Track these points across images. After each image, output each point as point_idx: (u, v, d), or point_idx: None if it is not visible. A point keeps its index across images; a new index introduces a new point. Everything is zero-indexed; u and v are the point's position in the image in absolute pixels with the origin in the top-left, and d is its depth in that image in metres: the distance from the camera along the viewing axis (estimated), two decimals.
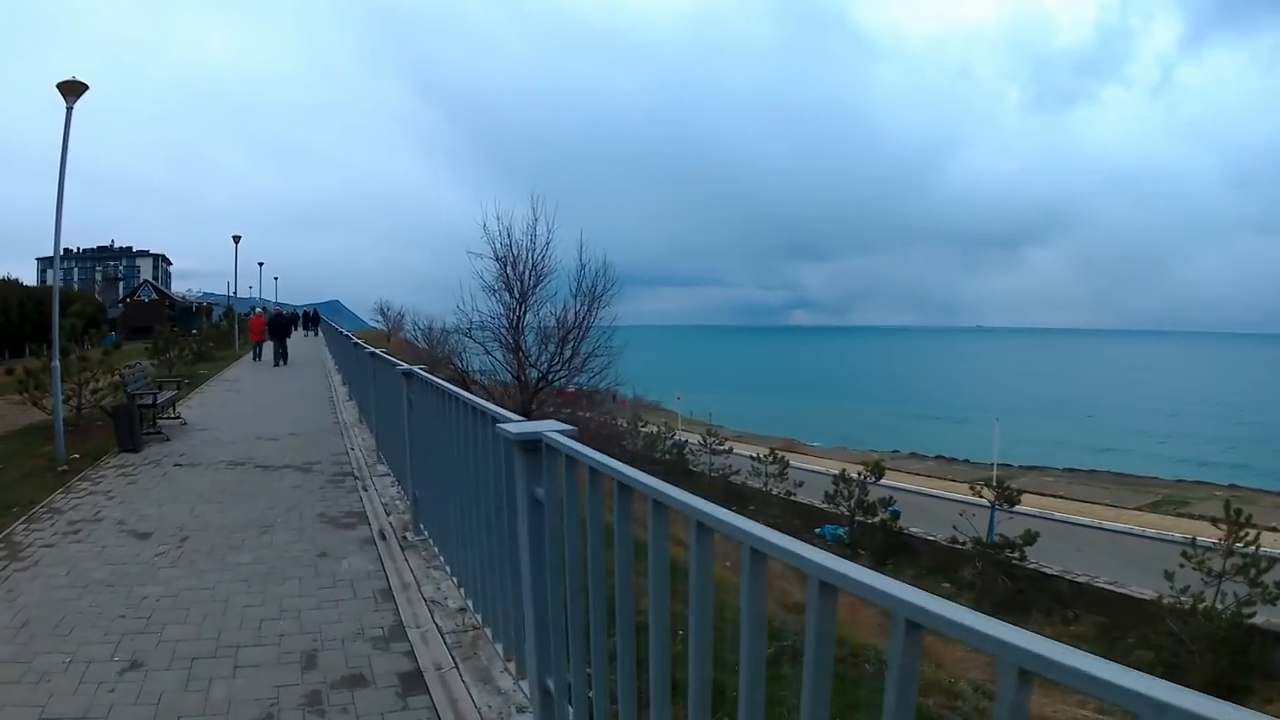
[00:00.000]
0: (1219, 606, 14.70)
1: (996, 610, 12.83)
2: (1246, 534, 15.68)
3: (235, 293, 40.54)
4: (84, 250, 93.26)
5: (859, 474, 23.18)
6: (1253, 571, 15.06)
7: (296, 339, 32.64)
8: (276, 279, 59.76)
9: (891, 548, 21.63)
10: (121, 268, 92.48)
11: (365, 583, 4.75)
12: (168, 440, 10.36)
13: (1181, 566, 15.48)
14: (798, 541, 1.33)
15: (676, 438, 32.01)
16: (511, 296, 17.28)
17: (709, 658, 1.61)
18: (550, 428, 2.44)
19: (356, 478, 7.88)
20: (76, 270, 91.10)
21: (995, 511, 21.17)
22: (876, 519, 22.16)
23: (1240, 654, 14.39)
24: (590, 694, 2.32)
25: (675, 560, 1.80)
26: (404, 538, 5.54)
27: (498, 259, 17.29)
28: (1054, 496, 29.94)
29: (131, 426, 9.73)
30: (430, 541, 5.17)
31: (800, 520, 23.13)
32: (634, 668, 1.99)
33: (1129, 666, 0.94)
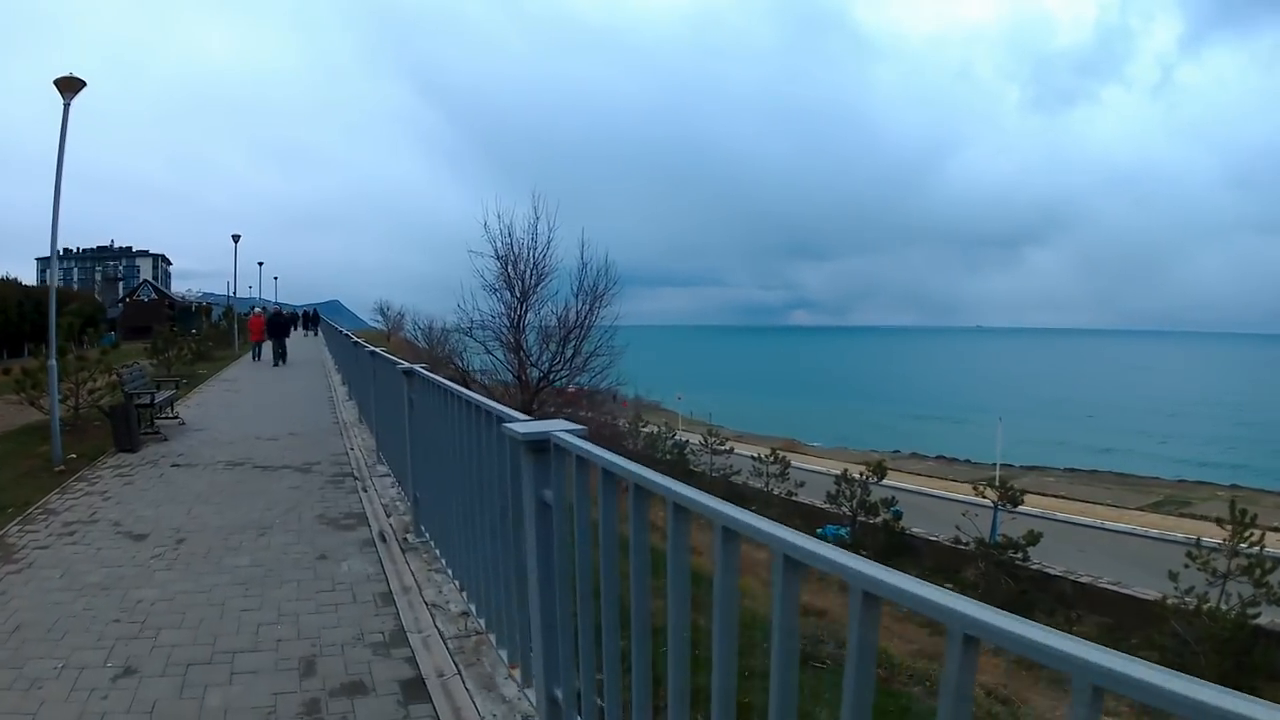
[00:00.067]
0: (1223, 607, 14.62)
1: None
2: (1251, 534, 15.59)
3: (235, 293, 40.51)
4: (84, 250, 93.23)
5: (861, 474, 23.08)
6: (1257, 572, 14.97)
7: (296, 339, 32.54)
8: (276, 279, 59.80)
9: (893, 548, 21.50)
10: (121, 268, 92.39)
11: (365, 586, 4.64)
12: (165, 440, 10.26)
13: (1186, 567, 15.38)
14: (837, 549, 1.24)
15: (677, 438, 31.92)
16: (512, 295, 17.19)
17: (734, 669, 1.51)
18: (559, 427, 2.34)
19: (356, 478, 7.78)
20: (76, 270, 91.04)
21: (998, 512, 21.08)
22: (878, 519, 22.06)
23: (1245, 655, 14.32)
24: (601, 703, 2.22)
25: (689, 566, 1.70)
26: (405, 540, 5.44)
27: (499, 258, 17.21)
28: (1055, 497, 29.83)
29: (129, 426, 9.63)
30: (431, 544, 5.07)
31: (801, 520, 23.00)
32: (650, 677, 1.89)
33: None
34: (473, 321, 18.00)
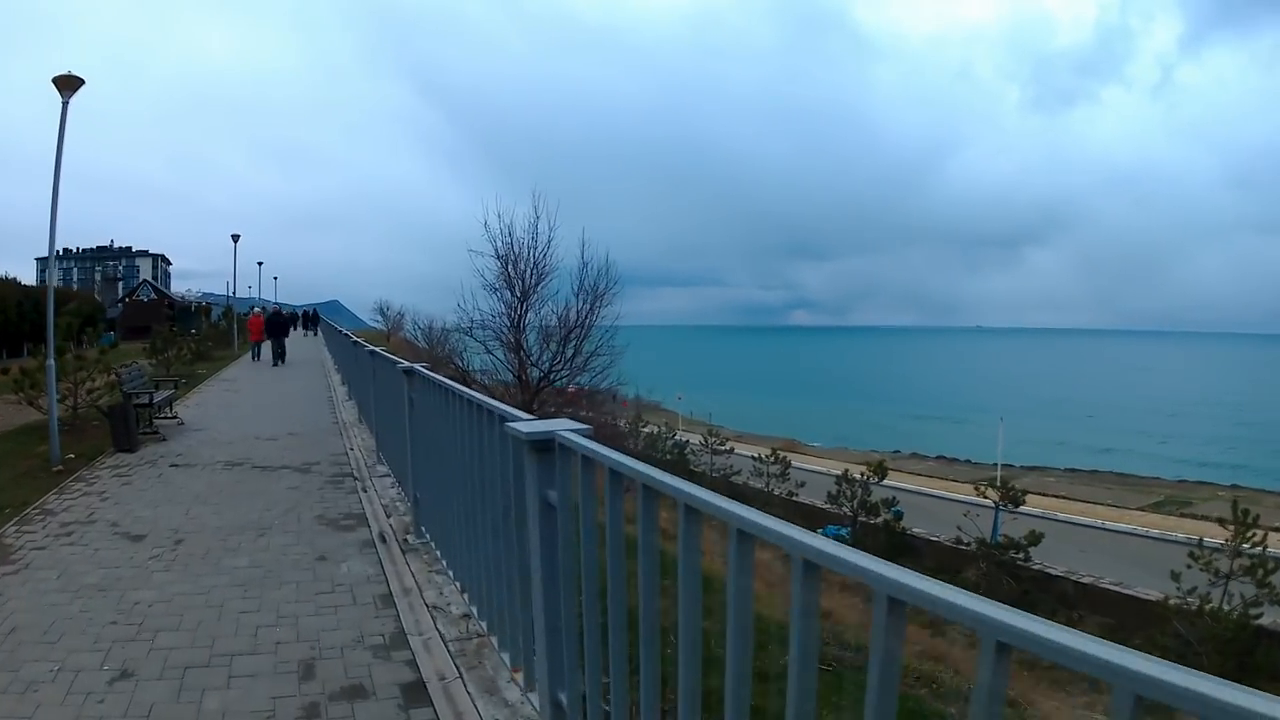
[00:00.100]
0: (1226, 608, 14.57)
1: None
2: (1253, 534, 15.55)
3: (234, 292, 40.43)
4: (83, 250, 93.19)
5: (862, 474, 23.03)
6: (1260, 572, 14.93)
7: (295, 339, 32.46)
8: (276, 279, 59.86)
9: (894, 548, 21.45)
10: (121, 268, 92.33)
11: (365, 587, 4.59)
12: (164, 440, 10.21)
13: (1189, 567, 15.34)
14: (859, 552, 1.18)
15: (677, 438, 31.89)
16: (513, 295, 17.12)
17: (748, 673, 1.46)
18: (564, 426, 2.28)
19: (356, 478, 7.73)
20: (76, 270, 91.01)
21: (999, 512, 21.03)
22: (879, 519, 22.01)
23: (1248, 655, 14.26)
24: (607, 708, 2.17)
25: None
26: (405, 540, 5.39)
27: (499, 257, 17.14)
28: (1056, 497, 29.79)
29: (127, 426, 9.57)
30: (432, 544, 5.01)
31: (802, 520, 22.92)
32: (658, 680, 1.84)
33: None
34: (473, 321, 17.95)
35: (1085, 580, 18.61)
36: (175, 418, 11.76)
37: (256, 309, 29.80)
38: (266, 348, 24.07)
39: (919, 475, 33.64)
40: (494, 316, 17.56)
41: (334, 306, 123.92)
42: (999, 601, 1.05)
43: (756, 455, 28.20)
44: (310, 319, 45.97)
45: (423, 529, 5.29)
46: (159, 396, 11.35)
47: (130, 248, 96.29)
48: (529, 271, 17.08)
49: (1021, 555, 18.72)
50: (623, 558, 1.93)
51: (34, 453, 9.42)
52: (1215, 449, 49.86)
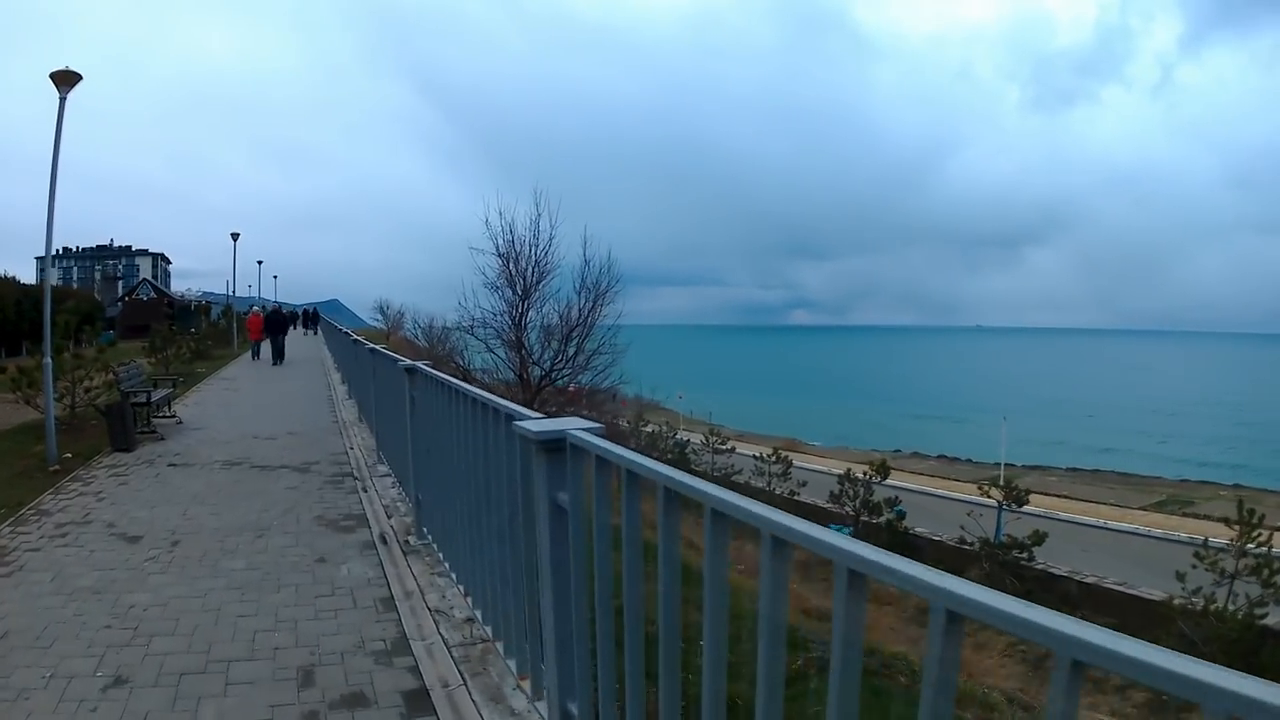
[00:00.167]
0: (1230, 608, 14.49)
1: None
2: (1259, 534, 15.46)
3: (234, 291, 40.29)
4: (83, 249, 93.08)
5: (865, 473, 22.94)
6: (1266, 572, 14.84)
7: (295, 337, 32.32)
8: (276, 278, 59.82)
9: (896, 548, 21.28)
10: (120, 267, 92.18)
11: (365, 590, 4.48)
12: (162, 439, 10.10)
13: (1194, 567, 15.25)
14: (907, 560, 1.08)
15: (678, 437, 31.79)
16: (514, 292, 17.01)
17: (780, 686, 1.36)
18: (575, 425, 2.18)
19: (356, 478, 7.62)
20: (76, 269, 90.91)
21: (1002, 512, 20.95)
22: (882, 519, 21.92)
23: (1253, 655, 14.17)
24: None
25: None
26: (406, 542, 5.29)
27: (500, 254, 17.02)
28: (1058, 496, 29.70)
29: (125, 425, 9.46)
30: (434, 546, 4.91)
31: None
32: (679, 691, 1.74)
33: None
34: (474, 319, 17.82)
35: (1089, 580, 18.51)
36: (174, 417, 11.66)
37: (255, 308, 29.66)
38: (266, 346, 23.93)
39: (920, 475, 33.56)
40: (495, 315, 17.46)
41: (334, 305, 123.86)
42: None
43: (758, 455, 28.11)
44: (310, 318, 45.88)
45: (424, 530, 5.19)
46: (157, 395, 11.24)
47: (130, 247, 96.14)
48: (530, 269, 16.98)
49: (1025, 555, 18.64)
50: (640, 564, 1.82)
51: (31, 452, 9.32)
52: (1215, 449, 49.82)
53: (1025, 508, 21.45)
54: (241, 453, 9.13)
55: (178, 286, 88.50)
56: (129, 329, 45.66)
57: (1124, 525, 24.81)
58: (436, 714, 3.08)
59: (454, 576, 4.29)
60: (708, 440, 30.69)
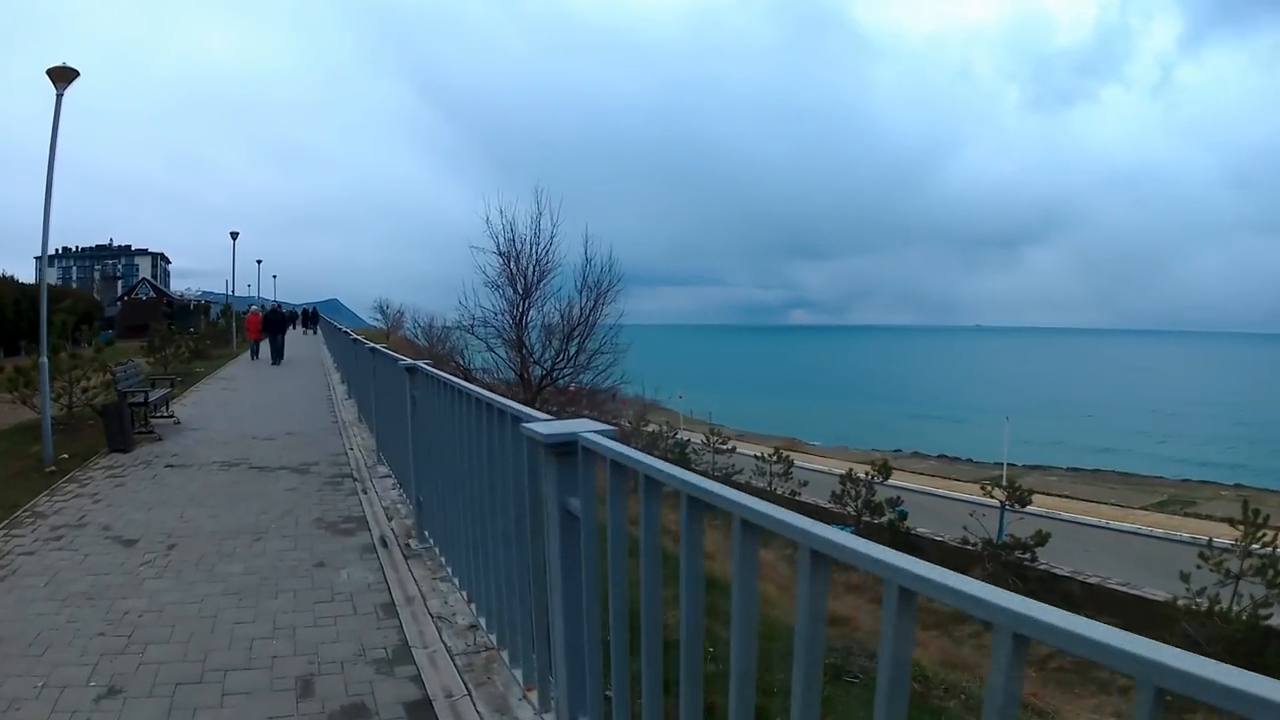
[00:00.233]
0: (1235, 608, 14.42)
1: None
2: (1264, 534, 15.38)
3: (233, 291, 40.15)
4: (82, 249, 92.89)
5: (866, 473, 22.87)
6: (1270, 572, 14.76)
7: (295, 337, 32.19)
8: (275, 277, 59.69)
9: (898, 548, 21.24)
10: (120, 266, 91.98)
11: (366, 596, 4.38)
12: (160, 440, 9.99)
13: (1199, 568, 15.18)
14: (964, 578, 0.98)
15: (678, 437, 31.72)
16: (515, 291, 16.89)
17: (816, 709, 1.26)
18: (587, 427, 2.07)
19: (356, 479, 7.52)
20: (75, 269, 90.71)
21: (1005, 512, 20.88)
22: (884, 519, 21.84)
23: (1257, 656, 14.10)
24: None
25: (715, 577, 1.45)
26: (407, 545, 5.18)
27: (501, 253, 16.90)
28: (1059, 496, 29.64)
29: (122, 426, 9.36)
30: (436, 550, 4.81)
31: None
32: (700, 706, 1.64)
33: None
34: (474, 319, 17.70)
35: (1092, 580, 18.44)
36: (172, 417, 11.55)
37: (254, 307, 29.54)
38: (265, 346, 23.81)
39: (921, 475, 33.50)
40: (496, 314, 17.34)
41: (333, 305, 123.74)
42: None
43: (758, 454, 28.04)
44: (310, 317, 45.78)
45: (425, 533, 5.09)
46: (155, 395, 11.14)
47: (129, 246, 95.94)
48: (531, 268, 16.85)
49: (1028, 555, 18.57)
50: (659, 575, 1.72)
51: (27, 453, 9.22)
52: (1215, 449, 49.82)
53: (1027, 508, 21.38)
54: (240, 453, 9.02)
55: (177, 286, 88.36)
56: (128, 328, 45.52)
57: (1125, 525, 24.75)
58: None
59: (456, 581, 4.18)
60: (708, 440, 30.62)
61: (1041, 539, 18.41)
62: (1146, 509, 29.17)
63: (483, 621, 3.59)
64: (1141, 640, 0.87)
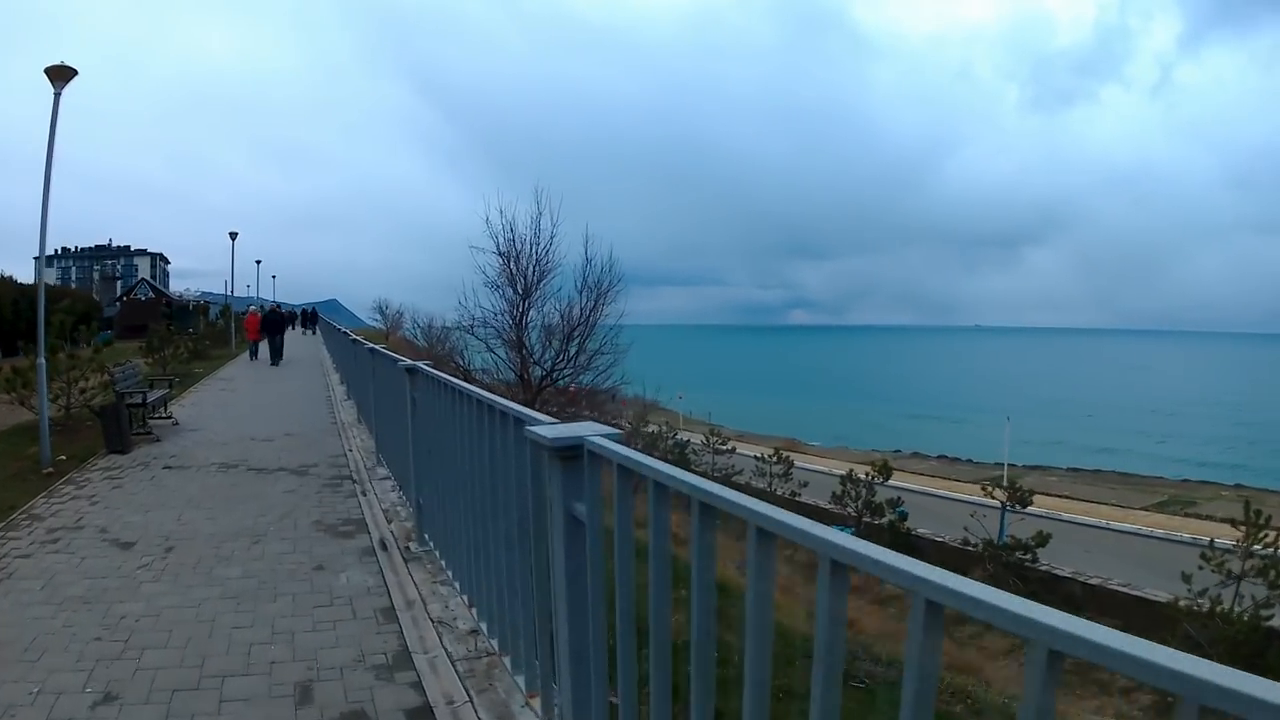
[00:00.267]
0: (1236, 609, 14.38)
1: None
2: (1265, 535, 15.34)
3: (232, 291, 40.09)
4: (82, 249, 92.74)
5: (867, 474, 22.83)
6: (1272, 573, 14.72)
7: (294, 337, 32.12)
8: (274, 277, 59.71)
9: (899, 549, 21.20)
10: (119, 267, 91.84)
11: (365, 600, 4.33)
12: (158, 441, 9.94)
13: (1200, 568, 15.14)
14: (995, 590, 0.94)
15: (678, 437, 31.66)
16: (515, 292, 16.83)
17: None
18: (593, 431, 2.02)
19: (355, 481, 7.47)
20: (74, 269, 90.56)
21: (1006, 513, 20.83)
22: (884, 520, 21.79)
23: (1259, 657, 14.07)
24: None
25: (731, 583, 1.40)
26: (407, 548, 5.13)
27: (501, 253, 16.84)
28: (1059, 496, 29.59)
29: (120, 427, 9.31)
30: (436, 553, 4.75)
31: None
32: (711, 717, 1.59)
33: None
34: (474, 319, 17.64)
35: (1093, 581, 18.40)
36: (170, 418, 11.49)
37: (253, 307, 29.46)
38: (264, 347, 23.74)
39: (921, 475, 33.44)
40: (496, 314, 17.27)
41: (332, 305, 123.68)
42: None
43: (758, 455, 27.99)
44: (309, 317, 45.72)
45: (425, 536, 5.04)
46: (153, 396, 11.08)
47: (129, 247, 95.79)
48: (531, 268, 16.79)
49: (1029, 556, 18.52)
50: (669, 585, 1.67)
51: (24, 454, 9.16)
52: (1214, 449, 49.81)
53: (1028, 508, 21.34)
54: (238, 455, 8.97)
55: (176, 286, 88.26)
56: (127, 329, 45.47)
57: (1126, 526, 24.70)
58: None
59: (457, 585, 4.13)
60: (708, 441, 30.56)
61: (1042, 540, 18.36)
62: (1147, 509, 29.13)
63: (484, 626, 3.54)
64: (1185, 657, 0.82)
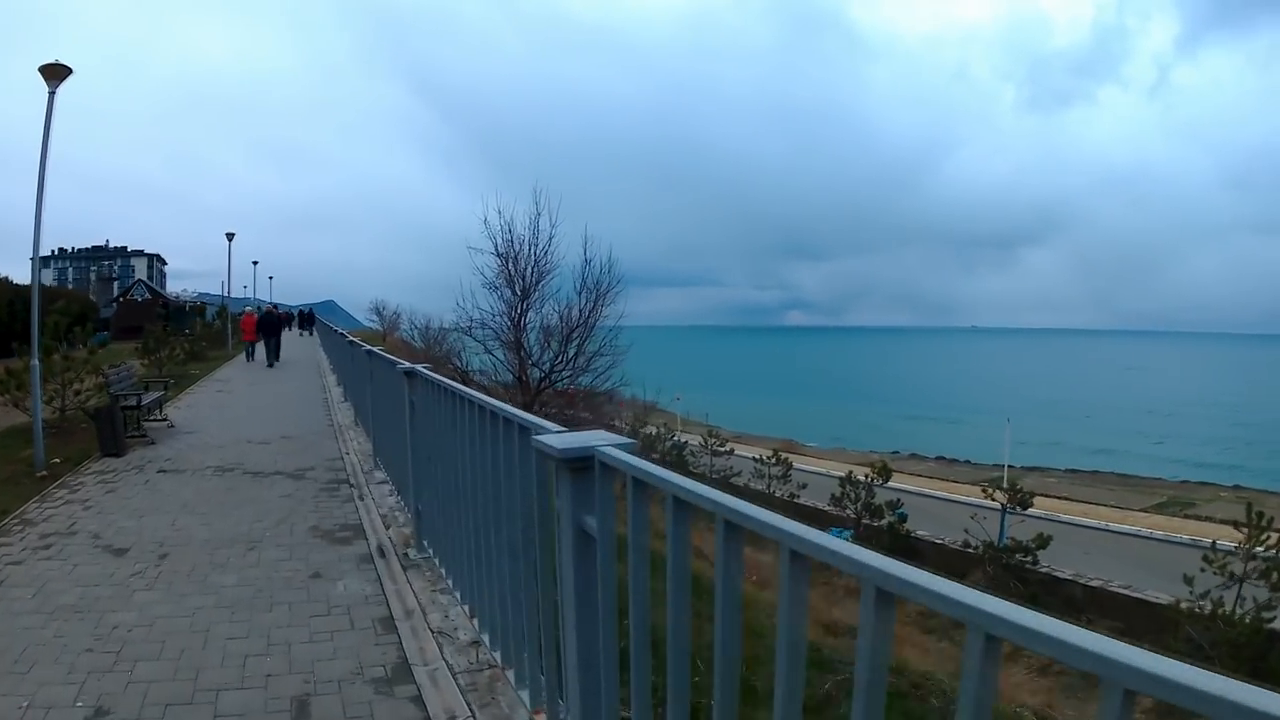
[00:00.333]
0: (1239, 611, 14.32)
1: None
2: (1267, 537, 15.28)
3: (229, 292, 39.90)
4: (78, 250, 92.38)
5: (866, 475, 22.75)
6: (1275, 575, 14.67)
7: (291, 338, 31.97)
8: (271, 278, 59.49)
9: (899, 551, 21.16)
10: (116, 267, 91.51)
11: (363, 609, 4.23)
12: (153, 444, 9.83)
13: (1202, 570, 15.09)
14: (1051, 619, 0.86)
15: (676, 438, 31.55)
16: (513, 293, 16.73)
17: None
18: (604, 440, 1.93)
19: (352, 485, 7.37)
20: (71, 270, 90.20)
21: (1006, 514, 20.76)
22: (883, 522, 21.71)
23: (1261, 659, 14.02)
24: None
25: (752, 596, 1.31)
26: (405, 555, 5.03)
27: (499, 254, 16.74)
28: (1058, 498, 29.53)
29: (114, 429, 9.19)
30: (435, 560, 4.65)
31: (804, 523, 22.63)
32: None
33: None
34: (472, 320, 17.52)
35: (1094, 583, 18.33)
36: (165, 420, 11.37)
37: (250, 308, 29.32)
38: (261, 348, 23.61)
39: (919, 476, 33.36)
40: (494, 315, 17.17)
41: (329, 306, 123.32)
42: None
43: (757, 456, 27.89)
44: (305, 319, 45.54)
45: (425, 543, 4.94)
46: (148, 398, 10.97)
47: (125, 247, 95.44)
48: (530, 269, 16.69)
49: (1029, 558, 18.45)
50: (688, 609, 1.58)
51: (18, 457, 9.04)
52: (1212, 449, 49.85)
53: (1027, 510, 21.27)
54: (234, 458, 8.87)
55: (173, 287, 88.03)
56: (123, 330, 45.31)
57: (1125, 527, 24.66)
58: None
59: (458, 594, 4.03)
60: (706, 442, 30.46)
61: (1043, 541, 18.29)
62: (1146, 511, 29.09)
63: (486, 638, 3.44)
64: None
